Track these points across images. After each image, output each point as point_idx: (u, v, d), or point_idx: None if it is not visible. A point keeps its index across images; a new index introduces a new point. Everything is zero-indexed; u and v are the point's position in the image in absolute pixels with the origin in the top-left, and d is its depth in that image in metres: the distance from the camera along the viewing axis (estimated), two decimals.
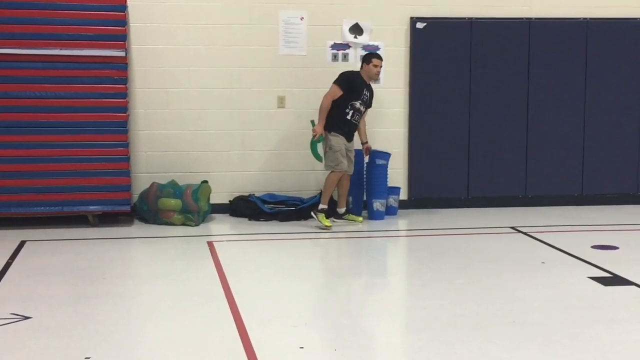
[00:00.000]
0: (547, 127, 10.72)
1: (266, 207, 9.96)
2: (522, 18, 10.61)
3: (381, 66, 9.58)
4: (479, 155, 10.65)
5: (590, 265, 7.77)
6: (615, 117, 10.83)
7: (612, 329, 5.97)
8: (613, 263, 7.81)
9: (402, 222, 10.02)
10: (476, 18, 10.53)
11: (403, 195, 10.51)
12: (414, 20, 10.42)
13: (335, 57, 10.39)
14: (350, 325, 6.16)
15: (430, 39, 10.44)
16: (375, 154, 9.97)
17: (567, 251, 8.32)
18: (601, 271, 7.56)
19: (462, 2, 10.53)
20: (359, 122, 9.66)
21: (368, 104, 9.66)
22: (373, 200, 9.96)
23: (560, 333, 5.88)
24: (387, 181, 10.08)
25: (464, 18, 10.52)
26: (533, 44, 10.61)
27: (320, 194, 10.13)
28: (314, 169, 10.37)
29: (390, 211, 10.15)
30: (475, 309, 6.47)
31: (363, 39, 10.41)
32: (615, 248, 8.49)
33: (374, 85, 9.84)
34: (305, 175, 10.40)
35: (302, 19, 10.28)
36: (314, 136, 9.56)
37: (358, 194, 10.12)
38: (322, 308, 6.61)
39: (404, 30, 10.45)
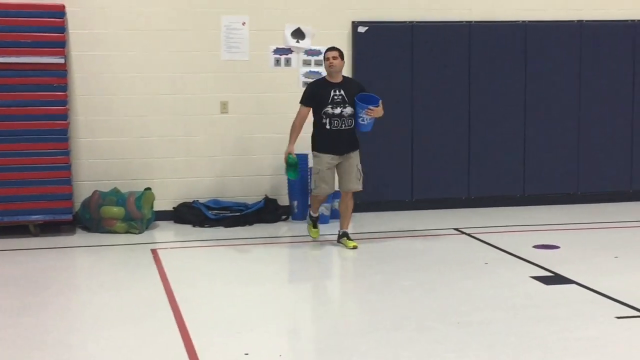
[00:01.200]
0: (489, 128, 10.84)
1: (210, 213, 9.91)
2: (462, 21, 10.71)
3: (334, 56, 8.61)
4: (423, 158, 10.72)
5: (532, 265, 7.87)
6: (554, 117, 10.99)
7: (555, 327, 6.06)
8: (554, 262, 7.93)
9: None
10: (417, 22, 10.61)
11: None
12: (355, 25, 10.46)
13: (277, 62, 10.39)
14: (296, 330, 6.15)
15: (372, 43, 10.49)
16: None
17: (510, 251, 8.42)
18: (543, 270, 7.66)
19: (403, 6, 10.60)
20: (349, 126, 8.60)
21: (347, 101, 8.57)
22: None
23: (504, 332, 5.95)
24: None
25: (405, 22, 10.59)
26: (473, 47, 10.73)
27: (265, 199, 10.14)
28: (259, 174, 10.35)
29: (335, 215, 10.14)
30: (420, 310, 6.52)
31: (305, 44, 10.42)
32: (556, 247, 8.62)
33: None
34: (250, 181, 10.37)
35: (244, 24, 10.26)
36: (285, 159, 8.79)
37: (303, 198, 10.13)
38: (268, 313, 6.59)
39: (345, 34, 10.49)
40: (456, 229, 9.61)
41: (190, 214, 9.96)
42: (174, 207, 10.15)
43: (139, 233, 9.48)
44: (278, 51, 10.40)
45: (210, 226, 9.82)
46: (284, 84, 10.39)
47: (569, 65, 10.94)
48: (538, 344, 5.71)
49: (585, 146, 11.06)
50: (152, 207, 9.73)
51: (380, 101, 8.57)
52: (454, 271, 7.72)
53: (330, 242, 9.28)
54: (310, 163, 9.34)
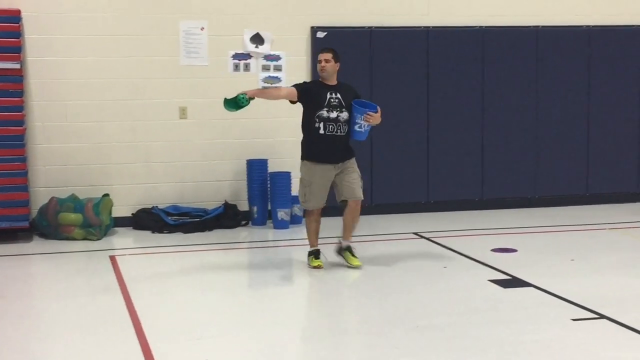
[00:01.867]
0: (447, 133, 10.91)
1: (170, 219, 9.86)
2: (420, 27, 10.78)
3: (326, 59, 8.05)
4: (382, 163, 10.76)
5: (490, 269, 7.94)
6: (512, 121, 11.09)
7: (512, 330, 6.12)
8: (512, 265, 8.00)
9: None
10: (376, 27, 10.66)
11: None
12: (314, 30, 10.48)
13: (236, 67, 10.30)
14: (256, 335, 6.14)
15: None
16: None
17: (469, 255, 8.48)
18: (501, 274, 7.73)
19: (362, 11, 10.65)
20: (344, 133, 7.94)
21: (344, 105, 7.94)
22: (277, 209, 9.96)
23: (462, 336, 6.00)
24: (290, 190, 10.10)
25: (364, 27, 10.63)
26: (432, 52, 10.80)
27: (225, 205, 10.12)
28: (219, 179, 10.33)
29: (295, 220, 10.17)
30: (379, 314, 6.54)
31: (264, 49, 10.34)
32: (514, 251, 8.70)
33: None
34: (210, 187, 10.34)
35: (202, 29, 10.20)
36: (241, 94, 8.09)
37: (262, 204, 10.12)
38: (227, 319, 6.57)
39: (305, 39, 10.51)
40: (415, 233, 9.66)
41: (149, 220, 9.91)
42: (132, 213, 10.08)
43: (97, 239, 9.41)
44: (237, 56, 10.29)
45: (170, 232, 9.77)
46: (243, 89, 10.32)
47: (525, 69, 11.05)
48: (495, 347, 5.76)
49: (542, 150, 11.18)
50: (110, 213, 9.67)
51: (378, 107, 7.99)
52: (413, 275, 7.76)
53: (289, 247, 9.28)
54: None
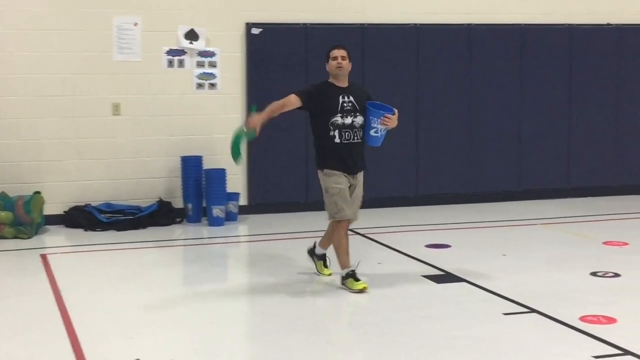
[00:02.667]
0: None
1: (103, 217, 9.73)
2: (355, 24, 10.82)
3: (342, 56, 7.24)
4: None
5: (424, 264, 8.01)
6: (447, 117, 11.20)
7: (445, 325, 6.18)
8: (445, 261, 8.08)
9: (242, 227, 10.02)
10: (311, 24, 10.66)
11: (243, 201, 10.51)
12: (249, 26, 10.45)
13: (171, 63, 10.28)
14: (188, 334, 6.10)
15: (267, 45, 10.50)
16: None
17: (403, 251, 8.54)
18: (434, 269, 7.80)
19: (297, 8, 10.63)
20: (360, 139, 7.20)
21: (358, 109, 7.18)
22: (212, 206, 9.90)
23: (396, 331, 6.03)
24: (226, 187, 10.05)
25: (299, 24, 10.63)
26: (366, 49, 10.84)
27: (159, 202, 10.02)
28: (153, 176, 10.23)
29: (230, 217, 10.13)
30: (313, 312, 6.56)
31: (199, 45, 10.35)
32: (447, 246, 8.79)
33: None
34: (143, 184, 10.23)
35: (136, 24, 10.12)
36: (244, 126, 7.09)
37: (197, 201, 10.05)
38: (160, 318, 6.51)
39: (239, 36, 10.46)
40: (350, 230, 9.64)
41: (82, 218, 9.77)
42: (64, 211, 9.93)
43: (28, 238, 9.25)
44: (171, 52, 10.29)
45: (103, 230, 9.65)
46: (177, 85, 10.30)
47: (457, 67, 11.17)
48: (428, 342, 5.81)
49: (475, 147, 11.31)
50: (41, 211, 9.51)
51: (395, 110, 7.28)
52: None
53: (224, 244, 9.25)
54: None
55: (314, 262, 7.61)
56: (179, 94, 10.26)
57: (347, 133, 7.10)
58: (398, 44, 10.97)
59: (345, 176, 7.15)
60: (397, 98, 10.97)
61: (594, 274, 7.58)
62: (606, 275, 7.55)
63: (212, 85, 10.36)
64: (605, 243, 8.85)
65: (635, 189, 11.85)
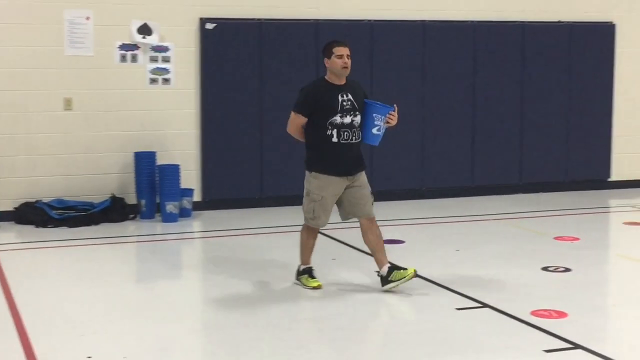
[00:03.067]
0: None
1: (54, 213, 9.62)
2: (309, 19, 10.81)
3: (348, 54, 6.92)
4: (272, 155, 10.75)
5: None
6: (401, 113, 11.19)
7: (397, 320, 6.23)
8: (399, 256, 8.06)
9: (196, 224, 9.97)
10: (265, 19, 10.64)
11: (197, 197, 10.45)
12: (203, 21, 10.38)
13: (123, 58, 10.19)
14: (140, 331, 6.06)
15: (221, 40, 10.44)
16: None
17: (357, 247, 8.55)
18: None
19: (251, 3, 10.60)
20: (359, 139, 6.93)
21: (357, 107, 6.91)
22: (166, 202, 9.83)
23: (348, 326, 6.05)
24: (179, 183, 9.99)
25: (254, 19, 10.59)
26: (321, 45, 10.76)
27: (112, 198, 9.93)
28: (105, 172, 10.13)
29: (184, 213, 10.07)
30: (265, 307, 6.54)
31: (152, 40, 10.27)
32: (401, 242, 8.82)
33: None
34: (96, 180, 10.12)
35: (88, 18, 10.00)
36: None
37: (150, 197, 9.98)
38: (112, 315, 6.45)
39: (193, 30, 10.39)
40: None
41: (33, 214, 9.64)
42: (15, 208, 9.79)
43: None
44: (124, 47, 10.20)
45: (55, 226, 9.53)
46: (130, 80, 10.21)
47: (412, 63, 11.21)
48: (380, 336, 5.85)
49: (427, 142, 11.37)
50: None
51: (395, 106, 7.06)
52: None
53: (178, 240, 9.19)
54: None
55: (300, 282, 7.12)
56: (132, 89, 10.18)
57: (346, 133, 6.80)
58: (352, 40, 10.93)
59: (341, 179, 6.84)
60: None
61: (545, 268, 7.66)
62: (557, 270, 7.64)
63: (166, 81, 10.29)
64: (556, 238, 8.95)
65: (585, 185, 12.01)
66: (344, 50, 6.87)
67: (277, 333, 5.90)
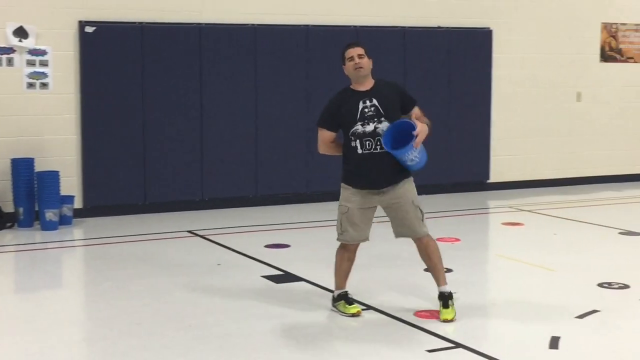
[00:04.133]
0: (221, 129, 10.89)
1: None
2: (192, 23, 10.72)
3: (359, 54, 6.31)
4: (155, 160, 10.61)
5: (263, 265, 8.02)
6: (284, 119, 11.24)
7: (283, 325, 6.22)
8: (284, 261, 8.13)
9: (77, 231, 9.74)
10: (147, 23, 10.49)
11: (78, 204, 10.21)
12: (82, 24, 10.16)
13: None
14: (22, 342, 5.88)
15: (101, 44, 10.24)
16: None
17: (242, 252, 8.53)
18: (274, 269, 7.83)
19: (133, 7, 10.43)
20: (384, 149, 6.19)
21: (383, 113, 6.25)
22: (45, 210, 9.57)
23: (234, 333, 6.03)
24: (59, 189, 9.74)
25: (135, 22, 10.43)
26: (204, 49, 10.76)
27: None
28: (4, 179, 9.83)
29: (64, 221, 9.82)
30: (151, 315, 6.45)
31: (29, 43, 9.99)
32: (286, 246, 8.84)
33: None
34: None
35: None
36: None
37: (29, 204, 9.70)
38: None
39: (72, 34, 10.16)
40: (189, 231, 9.60)
41: None
42: None
43: None
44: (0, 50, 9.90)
45: None
46: (6, 85, 9.91)
47: (295, 68, 11.25)
48: (266, 342, 5.84)
49: (313, 147, 11.41)
50: None
51: (416, 123, 6.17)
52: (187, 274, 7.69)
53: (58, 249, 8.97)
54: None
55: (337, 309, 6.53)
56: (8, 94, 9.89)
57: (368, 142, 6.20)
58: (237, 44, 10.94)
59: (368, 192, 6.30)
60: (237, 98, 11.01)
61: (427, 270, 7.77)
62: None
63: (44, 85, 10.03)
64: (438, 239, 9.09)
65: (466, 187, 12.31)
66: (353, 52, 6.36)
67: (161, 341, 5.82)
